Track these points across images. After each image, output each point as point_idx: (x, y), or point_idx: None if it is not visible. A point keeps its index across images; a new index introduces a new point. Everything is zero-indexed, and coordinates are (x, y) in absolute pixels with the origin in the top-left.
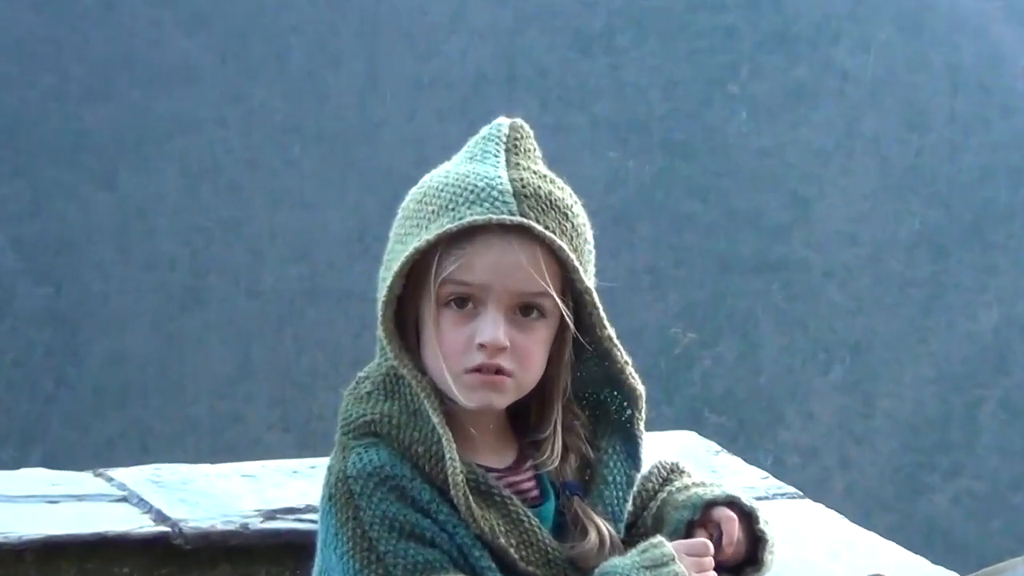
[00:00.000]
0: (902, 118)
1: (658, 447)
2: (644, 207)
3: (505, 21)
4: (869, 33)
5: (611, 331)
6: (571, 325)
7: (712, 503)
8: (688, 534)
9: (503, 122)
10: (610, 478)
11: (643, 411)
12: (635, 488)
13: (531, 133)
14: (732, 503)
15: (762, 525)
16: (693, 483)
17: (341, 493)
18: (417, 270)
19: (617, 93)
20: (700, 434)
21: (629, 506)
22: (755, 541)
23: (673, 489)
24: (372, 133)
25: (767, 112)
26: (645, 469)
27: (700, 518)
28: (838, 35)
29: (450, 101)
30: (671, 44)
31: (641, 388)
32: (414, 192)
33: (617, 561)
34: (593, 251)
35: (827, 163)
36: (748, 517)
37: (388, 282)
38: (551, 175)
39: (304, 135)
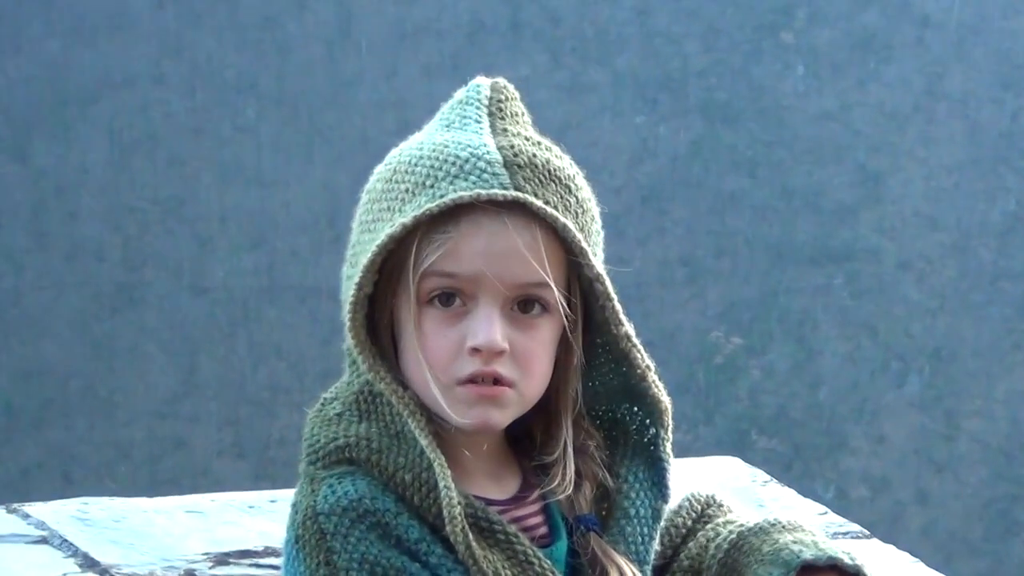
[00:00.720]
0: (995, 74)
1: (694, 476)
2: (678, 183)
3: None
4: None
5: (629, 328)
6: (580, 321)
7: (811, 567)
8: None
9: (482, 83)
10: (632, 511)
11: (669, 429)
12: (662, 523)
13: (517, 95)
14: (834, 566)
15: None
16: (770, 525)
17: (311, 533)
18: (391, 263)
19: (645, 44)
20: (745, 460)
21: (656, 545)
22: None
23: (734, 529)
24: (344, 93)
25: (829, 67)
26: (674, 502)
27: None
28: None
29: (439, 54)
30: None
31: (667, 400)
32: (381, 170)
33: None
34: (601, 232)
35: (903, 130)
36: None
37: (356, 279)
38: (546, 142)
39: (260, 96)
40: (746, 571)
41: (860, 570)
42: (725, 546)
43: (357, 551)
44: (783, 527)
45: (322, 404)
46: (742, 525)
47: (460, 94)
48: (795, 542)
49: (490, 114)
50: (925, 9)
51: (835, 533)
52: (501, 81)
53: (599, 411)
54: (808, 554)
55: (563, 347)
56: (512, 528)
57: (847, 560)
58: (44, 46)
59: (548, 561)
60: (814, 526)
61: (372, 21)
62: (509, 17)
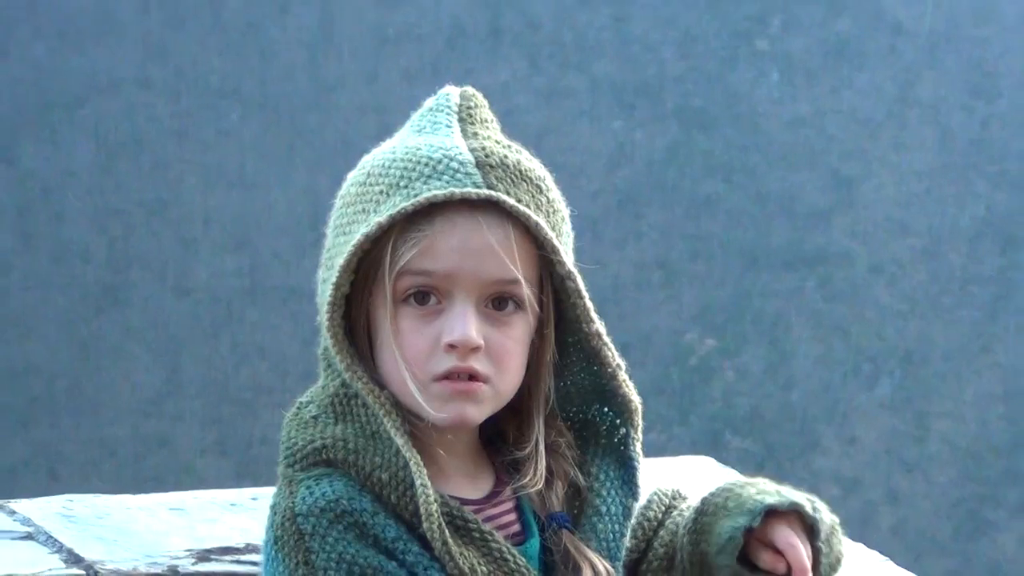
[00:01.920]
0: (966, 82)
1: (668, 475)
2: (654, 188)
3: None
4: None
5: (600, 326)
6: (552, 319)
7: (774, 511)
8: (747, 544)
9: (451, 91)
10: (604, 509)
11: (639, 428)
12: (633, 520)
13: (485, 103)
14: (795, 510)
15: (821, 542)
16: (732, 484)
17: (289, 534)
18: (367, 263)
19: (622, 50)
20: (719, 460)
21: (627, 541)
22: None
23: (675, 514)
24: (325, 97)
25: (803, 74)
26: (643, 499)
27: (761, 527)
28: None
29: (420, 59)
30: None
31: (637, 400)
32: (354, 175)
33: None
34: (571, 233)
35: (875, 136)
36: (808, 530)
37: (333, 280)
38: (516, 145)
39: (243, 100)
40: (714, 528)
41: (817, 524)
42: (692, 515)
43: (335, 551)
44: (744, 484)
45: (298, 408)
46: (722, 491)
47: (430, 102)
48: (758, 493)
49: (460, 119)
50: (897, 17)
51: None
52: (470, 89)
53: (571, 412)
54: (771, 500)
55: (536, 345)
56: (487, 527)
57: (808, 508)
58: (30, 50)
59: (523, 558)
60: (786, 489)
61: (353, 26)
62: (489, 23)
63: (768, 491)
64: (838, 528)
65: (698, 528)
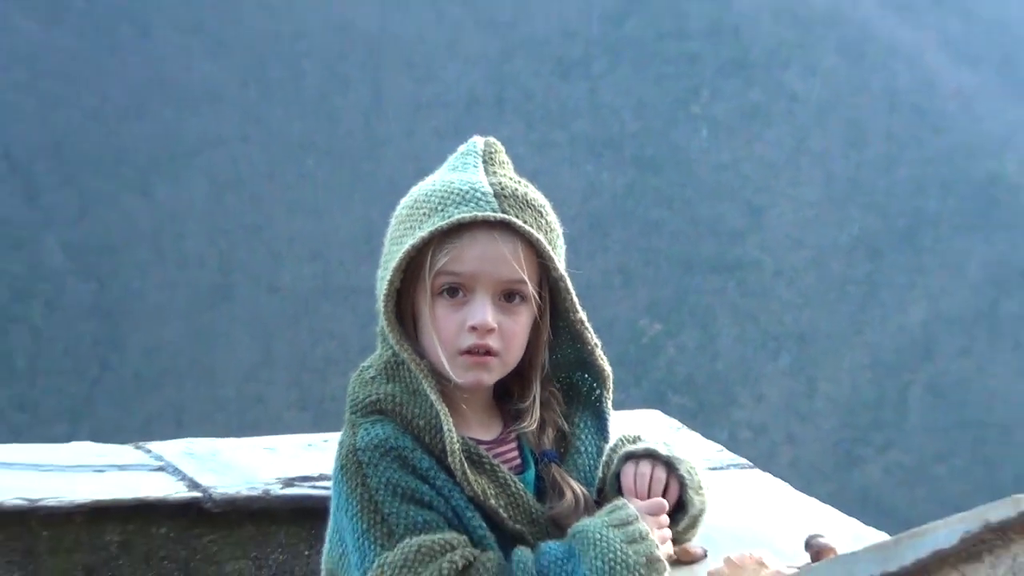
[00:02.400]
0: (844, 135)
1: (628, 424)
2: (616, 214)
3: (494, 49)
4: (815, 60)
5: (582, 315)
6: (548, 309)
7: (631, 456)
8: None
9: (478, 139)
10: (582, 448)
11: (611, 391)
12: (604, 457)
13: (503, 148)
14: (652, 455)
15: (682, 470)
16: (632, 443)
17: (351, 463)
18: (413, 266)
19: (593, 113)
20: (664, 413)
21: (599, 472)
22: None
23: (619, 451)
24: (376, 149)
25: (725, 130)
26: (613, 441)
27: (624, 469)
28: (788, 62)
29: (446, 120)
30: (641, 70)
31: (609, 369)
32: (405, 201)
33: (589, 521)
34: (564, 246)
35: (778, 175)
36: (670, 466)
37: (388, 278)
38: (524, 181)
39: (316, 150)
40: (609, 475)
41: (672, 459)
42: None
43: (384, 476)
44: (635, 439)
45: (361, 371)
46: (616, 448)
47: (462, 147)
48: (629, 449)
49: (484, 161)
50: (794, 89)
51: (728, 465)
52: (492, 139)
53: (561, 377)
54: (630, 449)
55: (535, 328)
56: (496, 461)
57: (663, 451)
58: (160, 114)
59: (521, 484)
60: (656, 441)
61: (396, 97)
62: (495, 94)
63: (644, 444)
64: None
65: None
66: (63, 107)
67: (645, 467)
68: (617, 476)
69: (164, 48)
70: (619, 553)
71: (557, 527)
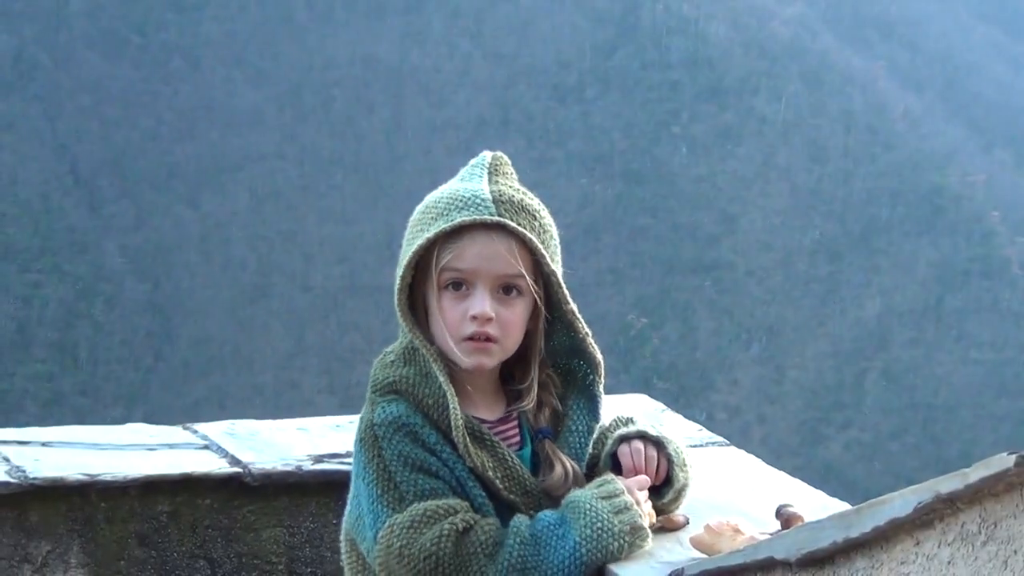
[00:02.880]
0: (806, 152)
1: (618, 407)
2: (607, 222)
3: (499, 78)
4: (781, 86)
5: (573, 306)
6: (539, 299)
7: (625, 437)
8: (615, 463)
9: (487, 153)
10: (574, 427)
11: (602, 376)
12: (595, 435)
13: (508, 161)
14: (643, 436)
15: (670, 449)
16: (627, 426)
17: (369, 437)
18: (422, 264)
19: (586, 133)
20: (650, 396)
21: (590, 449)
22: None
23: (612, 433)
24: (397, 164)
25: (702, 148)
26: (607, 421)
27: (617, 449)
28: (757, 88)
29: (457, 140)
30: (629, 95)
31: (600, 357)
32: (419, 207)
33: (579, 492)
34: (559, 246)
35: (748, 187)
36: (659, 445)
37: (400, 274)
38: (523, 189)
39: (344, 166)
40: (603, 451)
41: (661, 439)
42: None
43: (397, 449)
44: (628, 421)
45: (383, 355)
46: (617, 429)
47: (474, 160)
48: (623, 431)
49: (489, 172)
50: (763, 112)
51: (707, 443)
52: (499, 152)
53: (560, 363)
54: (623, 431)
55: (534, 317)
56: (496, 438)
57: (652, 432)
58: (208, 134)
59: (518, 459)
60: (646, 424)
61: (415, 119)
62: (501, 116)
63: (635, 427)
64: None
65: (600, 450)
66: (122, 129)
67: (639, 445)
68: (612, 455)
69: (211, 78)
70: (606, 521)
71: (549, 498)
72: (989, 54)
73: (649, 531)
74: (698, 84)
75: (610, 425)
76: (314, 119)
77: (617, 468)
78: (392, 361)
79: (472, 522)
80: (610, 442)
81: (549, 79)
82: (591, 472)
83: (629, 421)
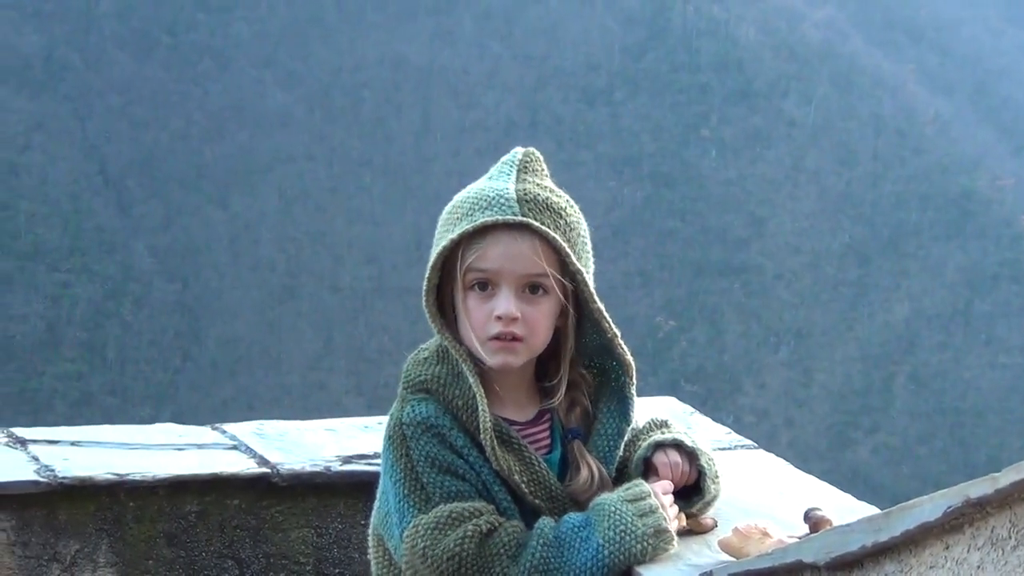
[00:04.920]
0: (835, 156)
1: (649, 409)
2: (636, 224)
3: (529, 80)
4: (810, 89)
5: (600, 305)
6: (572, 299)
7: (661, 444)
8: (646, 467)
9: (519, 150)
10: (604, 429)
11: (634, 378)
12: (626, 438)
13: (540, 157)
14: (678, 445)
15: (702, 461)
16: (661, 430)
17: (397, 436)
18: (448, 264)
19: (615, 136)
20: (679, 399)
21: (620, 452)
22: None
23: (647, 436)
24: (425, 166)
25: (731, 151)
26: (641, 423)
27: (652, 455)
28: (786, 91)
29: (486, 141)
30: (658, 98)
31: (630, 358)
32: (446, 207)
33: (607, 496)
34: (588, 243)
35: (777, 190)
36: (693, 455)
37: (427, 275)
38: (552, 187)
39: (373, 167)
40: (635, 457)
41: (696, 450)
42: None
43: (424, 450)
44: (664, 431)
45: (418, 352)
46: (653, 433)
47: (505, 157)
48: (659, 437)
49: (518, 170)
50: (792, 115)
51: (735, 446)
52: (531, 149)
53: (594, 363)
54: (659, 437)
55: (562, 316)
56: (523, 441)
57: (687, 441)
58: (237, 135)
59: (544, 463)
60: (682, 433)
61: (444, 121)
62: (530, 118)
63: (672, 435)
64: (713, 464)
65: (632, 452)
66: (152, 130)
67: (674, 456)
68: (644, 459)
69: (241, 78)
70: (630, 524)
71: (575, 503)
72: (1019, 58)
73: (675, 535)
74: (728, 87)
75: (644, 427)
76: (343, 120)
77: (648, 472)
78: (426, 358)
79: (496, 524)
80: (644, 446)
81: (578, 81)
82: (621, 473)
83: (664, 424)
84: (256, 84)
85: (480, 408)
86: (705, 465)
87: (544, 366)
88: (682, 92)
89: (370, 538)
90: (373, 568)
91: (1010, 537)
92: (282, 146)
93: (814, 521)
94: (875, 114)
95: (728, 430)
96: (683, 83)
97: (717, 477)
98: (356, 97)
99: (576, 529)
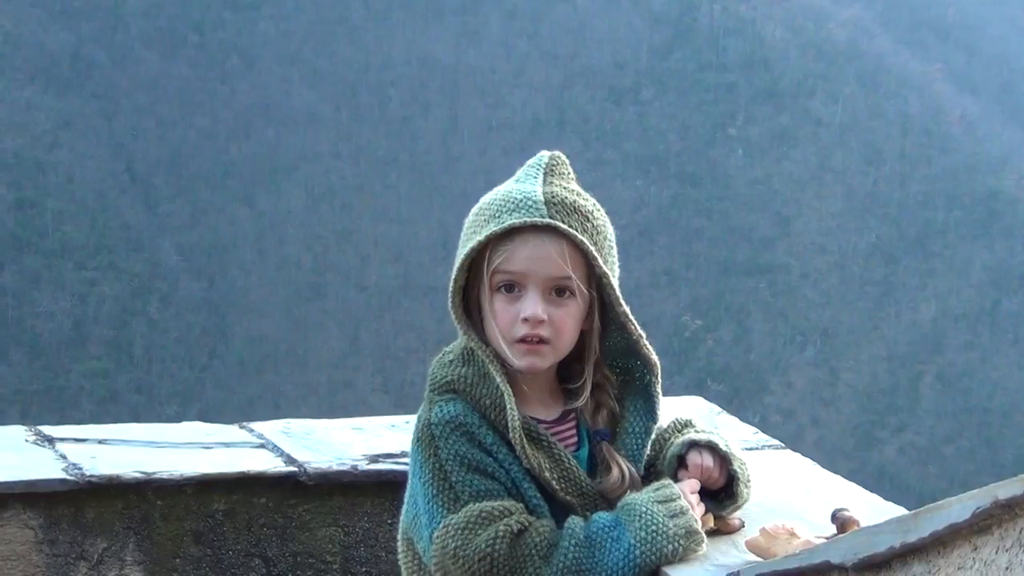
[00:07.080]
0: (862, 155)
1: (674, 408)
2: (662, 223)
3: (556, 79)
4: (837, 89)
5: (626, 308)
6: (592, 300)
7: (695, 443)
8: (678, 466)
9: (545, 153)
10: (631, 429)
11: (659, 377)
12: (652, 437)
13: (566, 160)
14: (712, 447)
15: (735, 466)
16: (693, 430)
17: (426, 436)
18: (475, 266)
19: (642, 135)
20: (705, 398)
21: (647, 451)
22: (730, 479)
23: (678, 435)
24: (452, 165)
25: (758, 150)
26: (665, 423)
27: (685, 453)
28: (813, 90)
29: (513, 140)
30: (684, 97)
31: (656, 358)
32: (473, 208)
33: (636, 496)
34: (614, 247)
35: (804, 190)
36: (725, 459)
37: (453, 276)
38: (579, 190)
39: (400, 166)
40: (667, 456)
41: (728, 454)
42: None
43: (453, 449)
44: (696, 431)
45: (443, 353)
46: (684, 432)
47: (532, 160)
48: (693, 437)
49: (545, 172)
50: (818, 114)
51: (762, 445)
52: (558, 152)
53: (618, 363)
54: (695, 437)
55: (588, 318)
56: (552, 438)
57: (722, 445)
58: (264, 134)
59: (574, 460)
60: (717, 436)
61: (471, 120)
62: (557, 117)
63: (699, 432)
64: (745, 468)
65: (657, 451)
66: (179, 128)
67: (708, 459)
68: (677, 457)
69: (267, 77)
70: (661, 524)
71: (605, 500)
72: None
73: (704, 535)
74: (754, 86)
75: (669, 427)
76: (370, 119)
77: (679, 468)
78: (451, 360)
79: (527, 524)
80: (679, 443)
81: (605, 80)
82: (648, 472)
83: (688, 424)
84: (283, 82)
85: (508, 406)
86: (738, 469)
87: (567, 367)
88: (709, 91)
89: (399, 542)
90: (403, 573)
91: None
92: (308, 144)
93: (842, 522)
94: (902, 113)
95: (755, 430)
96: (710, 82)
97: (749, 482)
98: (383, 96)
99: (607, 529)
